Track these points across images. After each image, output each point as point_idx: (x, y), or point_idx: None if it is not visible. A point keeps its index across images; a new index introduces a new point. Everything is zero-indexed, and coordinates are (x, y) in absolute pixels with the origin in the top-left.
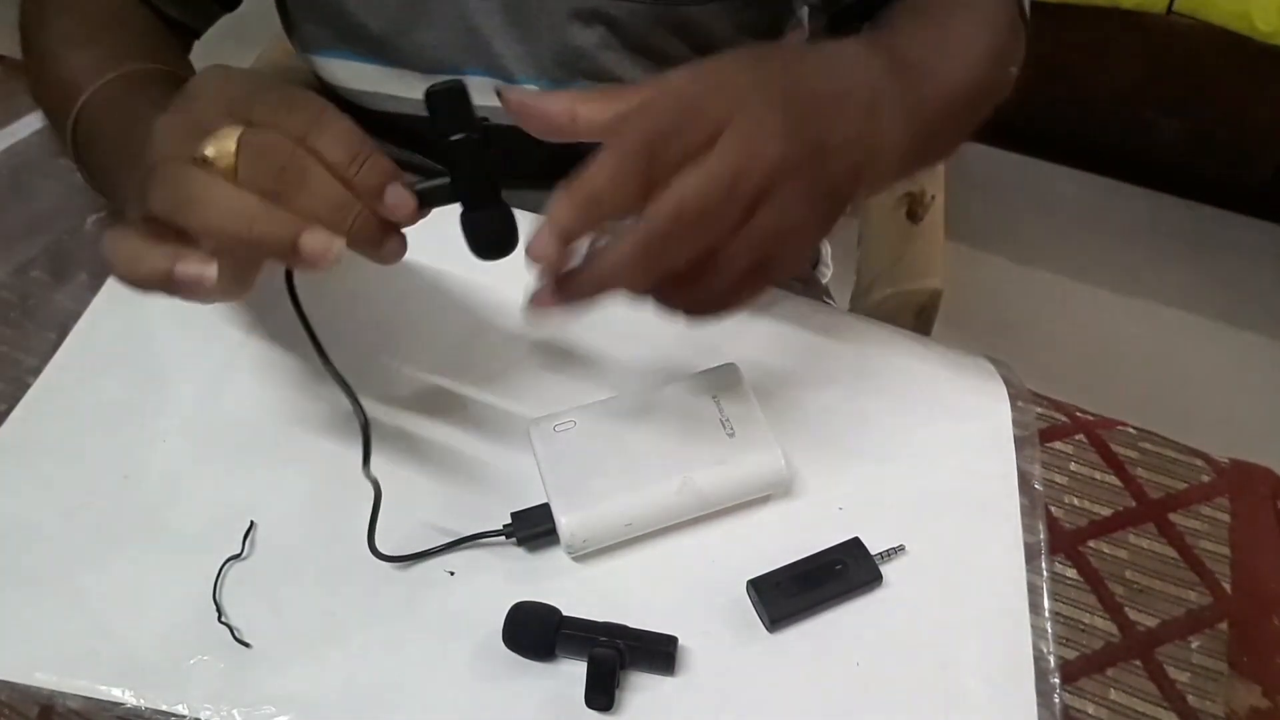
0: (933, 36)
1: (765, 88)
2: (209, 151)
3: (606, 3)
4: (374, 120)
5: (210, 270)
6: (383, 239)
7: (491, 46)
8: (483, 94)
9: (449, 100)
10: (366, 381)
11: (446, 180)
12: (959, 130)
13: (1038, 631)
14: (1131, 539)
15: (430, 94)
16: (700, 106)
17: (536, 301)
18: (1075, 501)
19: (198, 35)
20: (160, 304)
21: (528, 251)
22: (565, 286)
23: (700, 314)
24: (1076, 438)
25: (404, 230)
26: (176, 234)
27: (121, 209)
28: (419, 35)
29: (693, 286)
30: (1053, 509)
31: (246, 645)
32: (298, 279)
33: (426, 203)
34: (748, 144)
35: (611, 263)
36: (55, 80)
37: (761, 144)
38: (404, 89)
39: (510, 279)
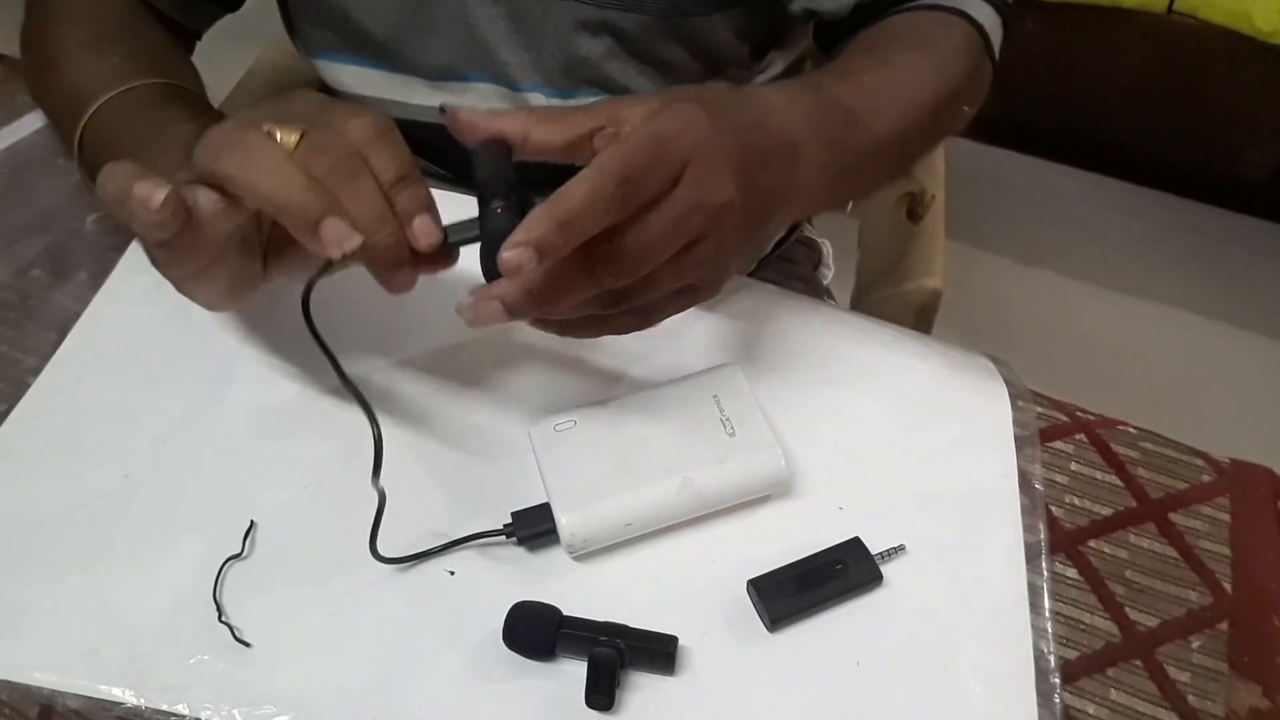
0: (875, 81)
1: (721, 135)
2: (276, 133)
3: (614, 14)
4: None
5: (158, 194)
6: (399, 265)
7: (497, 55)
8: (488, 100)
9: (494, 158)
10: (367, 381)
11: (473, 222)
12: (892, 168)
13: (1038, 631)
14: (1132, 539)
15: (478, 151)
16: (671, 147)
17: (481, 304)
18: (1075, 501)
19: (198, 37)
20: (160, 304)
21: (501, 262)
22: (514, 293)
23: (622, 329)
24: (1077, 437)
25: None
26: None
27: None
28: (423, 42)
29: (621, 302)
30: (1053, 509)
31: (246, 645)
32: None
33: (451, 240)
34: (705, 185)
35: (566, 271)
36: (62, 86)
37: (715, 187)
38: (408, 95)
39: None
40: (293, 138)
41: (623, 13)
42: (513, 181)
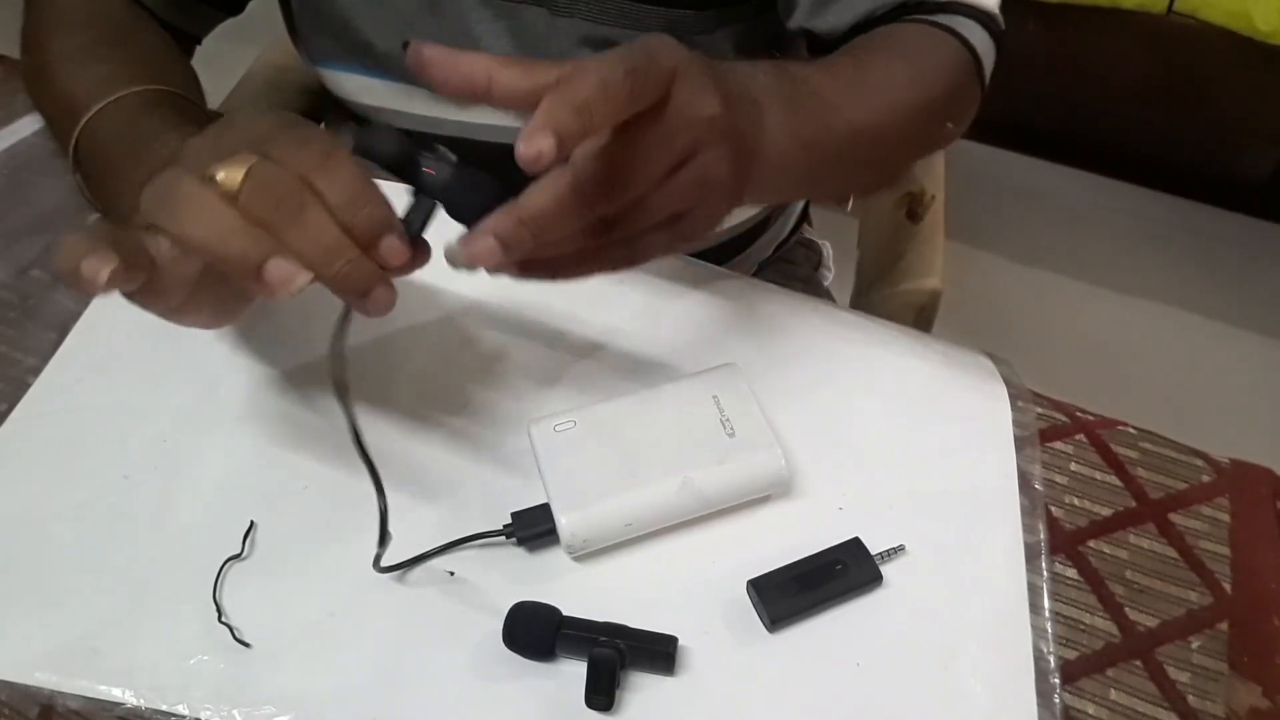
0: (851, 74)
1: (699, 60)
2: (218, 174)
3: (617, 31)
4: None
5: (104, 271)
6: (370, 287)
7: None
8: (491, 113)
9: (384, 134)
10: (368, 381)
11: (421, 198)
12: (872, 165)
13: (1038, 631)
14: (1132, 539)
15: (363, 133)
16: (658, 58)
17: (476, 241)
18: (1075, 501)
19: (198, 41)
20: None
21: (522, 148)
22: (507, 224)
23: (611, 263)
24: (1077, 438)
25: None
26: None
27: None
28: None
29: (612, 230)
30: (1053, 509)
31: (246, 645)
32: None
33: (415, 232)
34: (692, 97)
35: (556, 189)
36: (59, 93)
37: (702, 99)
38: (410, 105)
39: (509, 280)
40: (237, 175)
41: (625, 30)
42: (416, 144)
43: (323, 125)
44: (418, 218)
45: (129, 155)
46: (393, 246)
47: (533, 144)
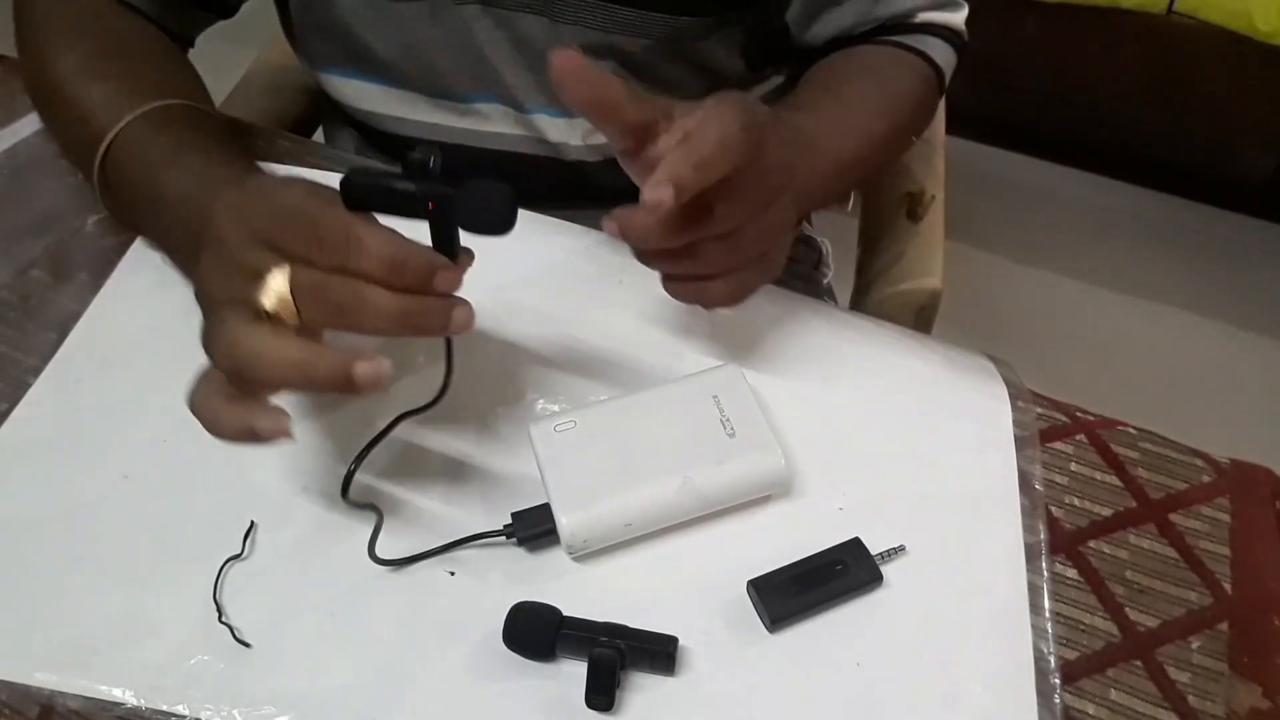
0: (834, 114)
1: (775, 116)
2: (268, 304)
3: (620, 38)
4: (381, 139)
5: (283, 420)
6: (448, 320)
7: (502, 77)
8: (493, 120)
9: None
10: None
11: (441, 218)
12: (843, 188)
13: (1038, 631)
14: (1132, 539)
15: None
16: (754, 116)
17: (634, 216)
18: (1075, 501)
19: (190, 43)
20: (161, 304)
21: (646, 194)
22: (634, 218)
23: (711, 298)
24: (1077, 438)
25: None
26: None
27: (155, 247)
28: (428, 62)
29: (719, 255)
30: (1053, 509)
31: (246, 645)
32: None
33: (459, 250)
34: (777, 149)
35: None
36: (73, 117)
37: (782, 152)
38: (412, 112)
39: (509, 280)
40: (284, 292)
41: (627, 37)
42: (396, 181)
43: (320, 130)
44: (446, 239)
45: (145, 190)
46: (444, 281)
47: (656, 192)
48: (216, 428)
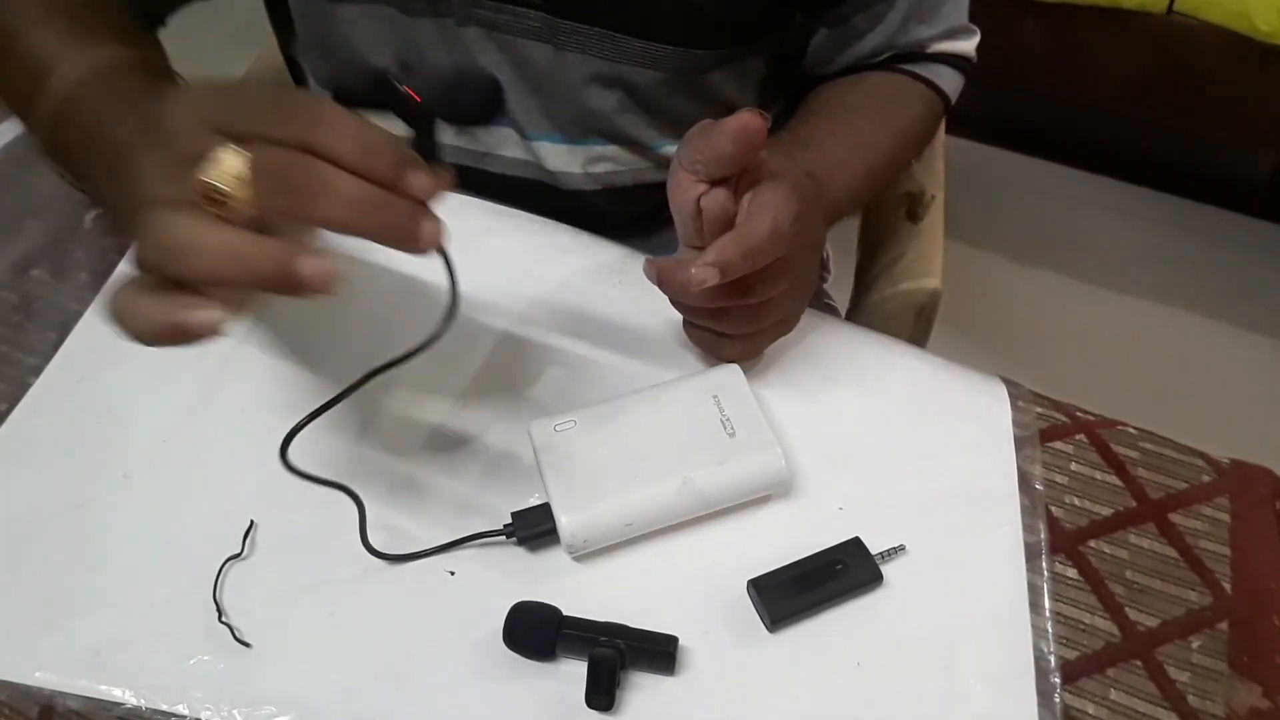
0: (840, 152)
1: (812, 190)
2: (217, 184)
3: (627, 69)
4: None
5: (218, 314)
6: (417, 225)
7: (506, 101)
8: (503, 143)
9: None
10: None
11: (422, 122)
12: (861, 201)
13: (1038, 631)
14: (1132, 539)
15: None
16: (804, 191)
17: (676, 271)
18: (1075, 501)
19: (162, 24)
20: None
21: (694, 272)
22: (675, 274)
23: (731, 353)
24: (1077, 438)
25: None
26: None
27: (103, 209)
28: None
29: (744, 321)
30: (1053, 509)
31: (246, 645)
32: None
33: (428, 155)
34: (812, 229)
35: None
36: (16, 65)
37: (816, 231)
38: (408, 131)
39: (508, 280)
40: (234, 169)
41: (635, 68)
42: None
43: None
44: (424, 139)
45: (93, 143)
46: (420, 180)
47: (702, 272)
48: (138, 326)
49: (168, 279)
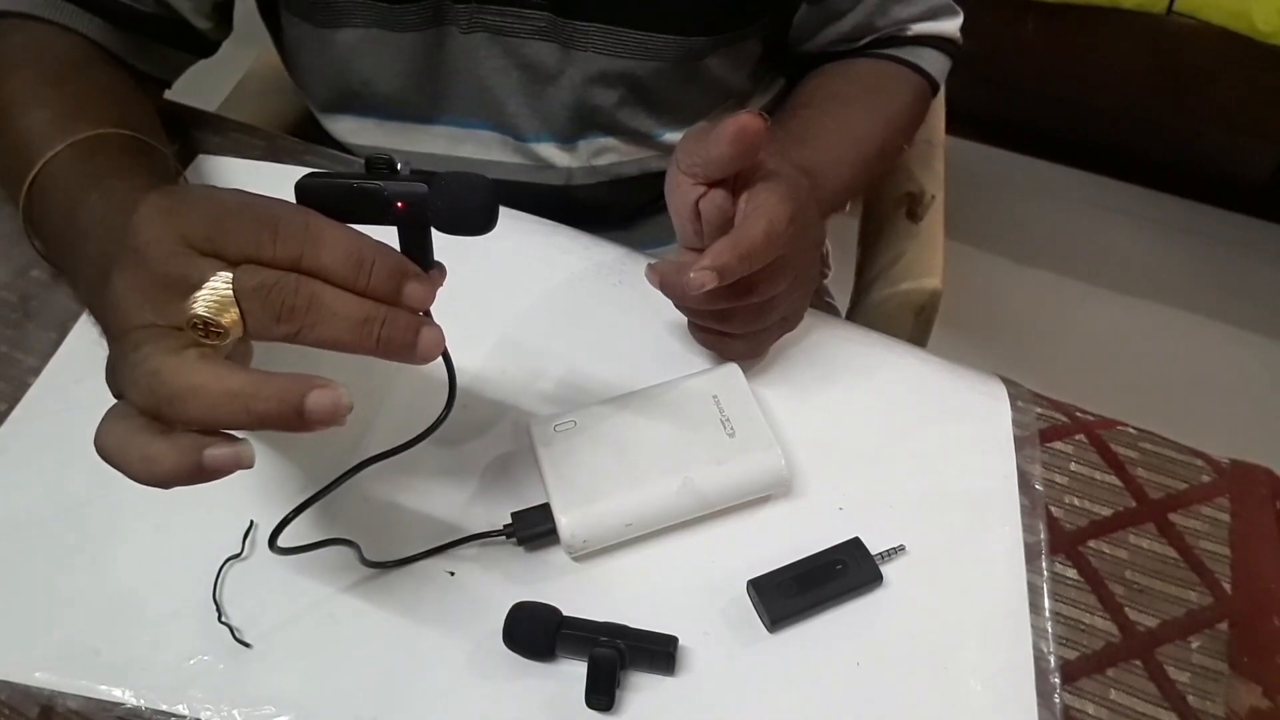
0: (832, 145)
1: (810, 192)
2: (205, 314)
3: (631, 63)
4: None
5: (243, 448)
6: (415, 338)
7: (505, 106)
8: (488, 147)
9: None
10: (368, 380)
11: (414, 229)
12: (856, 191)
13: (1038, 631)
14: (1131, 539)
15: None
16: (800, 192)
17: (675, 274)
18: (1075, 501)
19: (169, 85)
20: None
21: (692, 275)
22: (675, 277)
23: (733, 352)
24: (1076, 438)
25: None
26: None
27: (72, 289)
28: (428, 91)
29: (748, 320)
30: (1053, 509)
31: (246, 645)
32: None
33: (425, 262)
34: (811, 228)
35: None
36: (7, 146)
37: (815, 228)
38: (407, 142)
39: (508, 280)
40: (232, 314)
41: (638, 61)
42: (363, 180)
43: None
44: (419, 246)
45: (66, 222)
46: (416, 291)
47: (700, 276)
48: (148, 471)
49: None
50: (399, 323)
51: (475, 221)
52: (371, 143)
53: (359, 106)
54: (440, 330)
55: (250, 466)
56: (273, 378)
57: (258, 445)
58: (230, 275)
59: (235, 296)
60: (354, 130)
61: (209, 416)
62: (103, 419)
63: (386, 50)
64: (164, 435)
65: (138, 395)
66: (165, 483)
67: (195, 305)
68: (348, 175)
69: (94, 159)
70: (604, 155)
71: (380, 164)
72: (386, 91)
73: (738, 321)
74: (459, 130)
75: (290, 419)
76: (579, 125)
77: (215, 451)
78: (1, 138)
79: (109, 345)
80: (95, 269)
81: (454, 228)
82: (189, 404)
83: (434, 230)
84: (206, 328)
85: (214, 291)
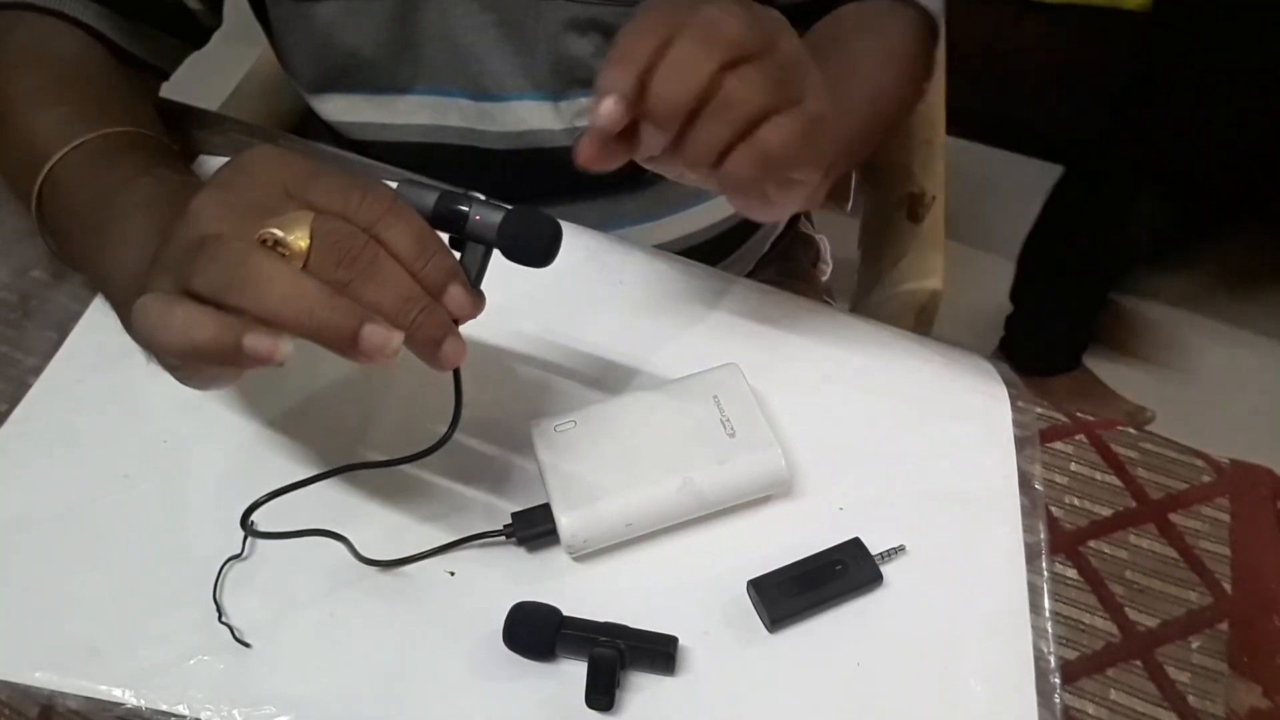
0: (841, 72)
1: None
2: (280, 233)
3: (603, 10)
4: (368, 153)
5: (285, 345)
6: (443, 338)
7: (485, 64)
8: (468, 117)
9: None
10: (368, 379)
11: (475, 246)
12: (873, 137)
13: (1038, 631)
14: (1132, 539)
15: (405, 192)
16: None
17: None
18: (1075, 501)
19: (165, 77)
20: None
21: (598, 114)
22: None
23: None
24: (1076, 438)
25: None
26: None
27: (94, 283)
28: (408, 57)
29: (722, 119)
30: (1053, 509)
31: (246, 645)
32: None
33: (477, 282)
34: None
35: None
36: (16, 142)
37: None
38: (395, 115)
39: (508, 280)
40: (303, 241)
41: (609, 8)
42: (453, 193)
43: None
44: (474, 266)
45: (95, 212)
46: (458, 297)
47: (603, 104)
48: (190, 333)
49: (218, 305)
50: (436, 315)
51: (539, 252)
52: (360, 120)
53: (345, 82)
54: (465, 345)
55: (282, 364)
56: (341, 297)
57: (258, 445)
58: (312, 215)
59: (310, 230)
60: (343, 109)
61: (274, 306)
62: (142, 298)
63: (366, 19)
64: (211, 309)
65: (206, 278)
66: (193, 353)
67: (271, 224)
68: (437, 185)
69: (136, 152)
70: (584, 117)
71: (460, 191)
72: (369, 60)
73: (711, 128)
74: (444, 100)
75: (344, 339)
76: (561, 80)
77: (257, 335)
78: (11, 134)
79: (181, 255)
80: (142, 242)
81: (518, 253)
82: (261, 289)
83: (490, 255)
84: (276, 244)
85: (293, 219)
